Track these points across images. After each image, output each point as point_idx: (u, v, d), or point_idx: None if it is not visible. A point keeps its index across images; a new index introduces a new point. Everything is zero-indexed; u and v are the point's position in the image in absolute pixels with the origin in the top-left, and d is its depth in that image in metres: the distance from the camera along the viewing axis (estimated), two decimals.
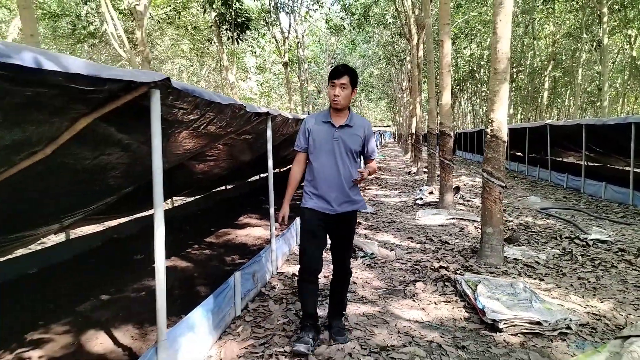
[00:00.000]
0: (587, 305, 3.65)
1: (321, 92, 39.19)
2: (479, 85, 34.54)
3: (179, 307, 3.35)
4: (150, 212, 6.18)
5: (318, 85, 39.10)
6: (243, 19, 16.98)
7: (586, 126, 10.10)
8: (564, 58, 27.87)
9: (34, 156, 2.23)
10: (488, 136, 4.71)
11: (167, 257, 4.79)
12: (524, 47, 28.35)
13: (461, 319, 3.40)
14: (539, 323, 3.15)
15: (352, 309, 3.55)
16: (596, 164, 11.95)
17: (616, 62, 30.58)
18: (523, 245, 5.60)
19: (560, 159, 15.24)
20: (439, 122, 8.69)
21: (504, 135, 4.68)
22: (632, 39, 21.46)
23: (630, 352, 2.61)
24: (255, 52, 31.33)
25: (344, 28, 24.81)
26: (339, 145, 2.86)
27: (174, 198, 7.14)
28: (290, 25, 22.59)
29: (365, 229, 6.62)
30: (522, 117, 35.18)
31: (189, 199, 7.56)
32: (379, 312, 3.53)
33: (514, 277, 4.28)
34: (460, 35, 26.97)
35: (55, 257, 4.58)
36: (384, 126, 67.63)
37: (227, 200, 8.18)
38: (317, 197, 2.88)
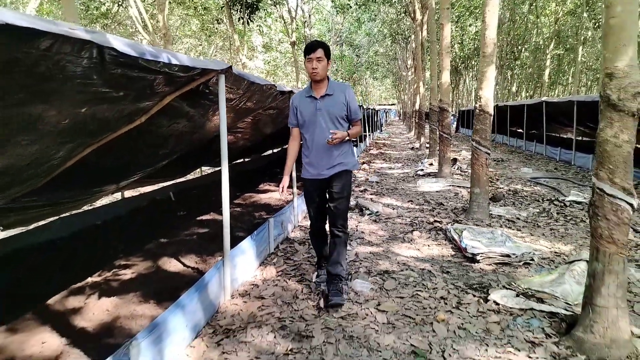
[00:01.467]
0: (552, 247, 4.52)
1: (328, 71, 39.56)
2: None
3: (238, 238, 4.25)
4: (185, 178, 7.08)
5: None
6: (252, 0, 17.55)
7: (577, 102, 10.82)
8: (568, 35, 28.10)
9: (134, 123, 3.09)
10: (477, 110, 5.52)
11: (207, 212, 5.70)
12: (529, 25, 28.63)
13: (448, 255, 4.29)
14: (508, 256, 4.04)
15: (360, 249, 4.44)
16: (587, 139, 12.67)
17: None
18: (508, 205, 6.46)
19: (557, 135, 15.92)
20: (439, 99, 9.42)
21: (490, 110, 5.48)
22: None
23: (572, 271, 3.49)
24: (262, 31, 31.76)
25: (350, 7, 25.18)
26: (323, 115, 3.09)
27: (203, 168, 8.01)
28: (297, 4, 23.03)
29: (371, 194, 7.48)
30: (527, 94, 35.57)
31: (215, 169, 8.43)
32: (382, 251, 4.42)
33: (496, 228, 5.15)
34: (465, 13, 27.24)
35: (115, 212, 5.48)
36: (389, 104, 67.89)
37: (247, 171, 9.06)
38: (311, 166, 3.19)
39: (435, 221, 5.49)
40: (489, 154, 5.51)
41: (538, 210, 6.16)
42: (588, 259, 2.63)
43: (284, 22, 22.38)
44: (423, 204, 6.66)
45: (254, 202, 6.48)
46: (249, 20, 17.28)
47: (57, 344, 2.43)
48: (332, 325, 2.83)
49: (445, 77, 8.77)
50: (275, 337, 2.69)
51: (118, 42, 1.82)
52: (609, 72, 2.40)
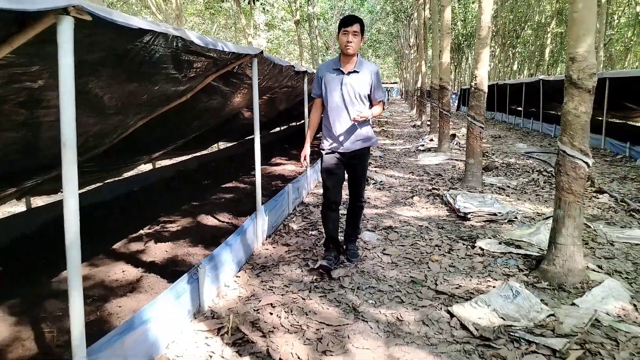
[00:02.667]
0: (535, 209, 5.16)
1: (329, 49, 39.81)
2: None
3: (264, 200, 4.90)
4: (205, 151, 7.70)
5: (326, 42, 39.64)
6: None
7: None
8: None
9: (180, 99, 3.69)
10: (472, 88, 6.09)
11: (229, 180, 6.34)
12: (531, 2, 28.71)
13: (443, 215, 4.94)
14: (495, 214, 4.69)
15: (367, 211, 5.09)
16: None
17: (623, 17, 30.71)
18: (501, 176, 7.10)
19: (554, 112, 16.43)
20: (439, 78, 9.94)
21: (485, 88, 6.05)
22: None
23: (547, 224, 4.13)
24: (265, 10, 31.88)
25: None
26: (348, 90, 3.12)
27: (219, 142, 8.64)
28: None
29: (375, 167, 8.11)
30: (528, 73, 35.78)
31: (229, 144, 9.04)
32: (386, 212, 5.08)
33: (487, 194, 5.79)
34: None
35: (148, 180, 6.12)
36: (392, 83, 67.84)
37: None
38: (331, 138, 3.23)
39: (434, 189, 6.13)
40: (482, 127, 6.11)
41: (527, 180, 6.80)
42: None
43: (289, 1, 22.61)
44: (423, 175, 7.30)
45: (269, 173, 7.12)
46: (254, 0, 17.59)
47: (135, 272, 3.10)
48: (347, 263, 3.50)
49: (445, 57, 9.29)
50: (301, 271, 3.35)
51: (193, 36, 2.42)
52: (572, 56, 3.00)
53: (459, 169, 7.79)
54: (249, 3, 17.77)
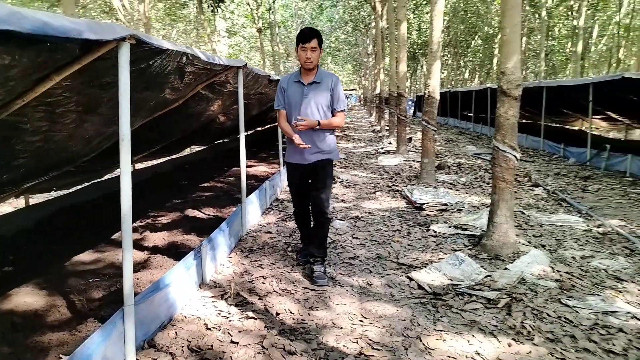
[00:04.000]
0: (480, 200, 5.94)
1: (290, 56, 40.51)
2: (441, 49, 36.62)
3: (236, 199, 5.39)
4: (178, 155, 8.07)
5: (287, 49, 40.33)
6: None
7: None
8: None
9: (173, 105, 4.16)
10: (426, 96, 6.85)
11: (206, 181, 6.78)
12: (481, 14, 30.54)
13: (402, 207, 5.62)
14: (446, 205, 5.41)
15: (336, 205, 5.70)
16: (522, 120, 14.44)
17: (564, 29, 33.05)
18: (452, 174, 7.91)
19: None
20: (397, 86, 10.74)
21: (437, 96, 6.82)
22: (574, 11, 23.98)
23: (488, 211, 4.88)
24: (225, 17, 32.14)
25: None
26: (309, 101, 3.16)
27: (192, 147, 9.00)
28: None
29: (340, 168, 8.75)
30: (479, 80, 37.81)
31: (200, 148, 9.42)
32: (353, 205, 5.70)
33: (439, 189, 6.54)
34: (423, 2, 28.73)
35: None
36: (351, 89, 69.36)
37: (228, 150, 10.11)
38: (293, 151, 3.27)
39: (393, 185, 6.84)
40: (435, 130, 6.88)
41: (474, 177, 7.64)
42: None
43: (250, 9, 23.09)
44: (383, 174, 8.00)
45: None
46: (218, 8, 17.97)
47: (141, 255, 3.54)
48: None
49: (402, 66, 10.09)
50: (284, 251, 3.90)
51: (198, 52, 2.94)
52: (502, 70, 3.73)
53: (415, 168, 8.56)
54: (212, 11, 18.14)
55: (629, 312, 2.79)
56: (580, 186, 6.92)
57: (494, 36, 29.26)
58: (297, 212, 3.57)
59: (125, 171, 2.09)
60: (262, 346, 2.40)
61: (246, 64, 4.11)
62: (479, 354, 2.37)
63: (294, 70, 3.53)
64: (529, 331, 2.57)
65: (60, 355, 2.17)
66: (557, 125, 12.99)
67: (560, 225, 4.77)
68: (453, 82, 36.17)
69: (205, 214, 4.89)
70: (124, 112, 2.04)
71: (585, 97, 8.80)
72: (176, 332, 2.51)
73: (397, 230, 4.60)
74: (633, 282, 3.27)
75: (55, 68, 1.99)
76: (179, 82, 3.36)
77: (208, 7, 18.21)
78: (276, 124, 14.09)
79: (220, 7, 18.91)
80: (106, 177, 5.74)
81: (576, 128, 13.07)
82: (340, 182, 7.18)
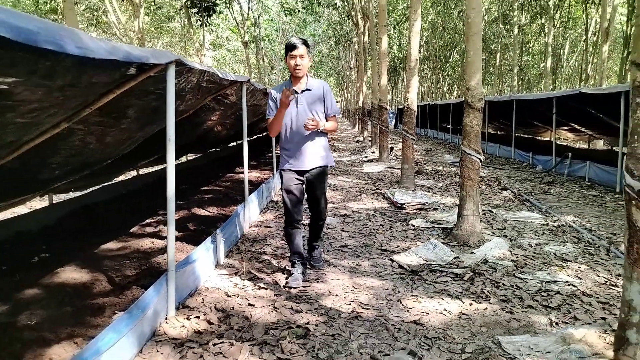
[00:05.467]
0: (453, 201, 6.62)
1: (274, 69, 41.34)
2: (420, 65, 37.93)
3: (239, 198, 5.96)
4: (177, 162, 8.56)
5: (271, 62, 41.16)
6: (209, 3, 18.88)
7: (488, 102, 13.35)
8: (489, 41, 31.58)
9: (184, 115, 4.74)
10: (405, 108, 7.56)
11: (205, 185, 7.32)
12: (458, 29, 31.88)
13: (385, 207, 6.27)
14: (424, 204, 6.08)
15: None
16: (493, 131, 15.40)
17: (537, 45, 34.59)
18: (430, 179, 8.63)
19: None
20: (379, 99, 11.46)
21: (415, 108, 7.55)
22: (546, 27, 25.44)
23: None
24: (211, 30, 32.80)
25: (298, 11, 26.95)
26: (304, 108, 3.25)
27: (188, 155, 9.53)
28: (249, 6, 24.45)
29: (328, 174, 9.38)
30: (458, 94, 39.18)
31: (194, 156, 9.95)
32: (341, 205, 6.33)
33: (418, 191, 7.22)
34: (403, 19, 29.87)
35: (135, 184, 6.96)
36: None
37: (220, 159, 10.67)
38: (289, 157, 3.34)
39: (377, 189, 7.50)
40: (414, 139, 7.59)
41: (450, 182, 8.36)
42: None
43: (237, 24, 23.78)
44: (367, 180, 8.67)
45: (237, 179, 8.16)
46: (206, 22, 18.59)
47: (161, 243, 4.08)
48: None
49: (383, 80, 10.85)
50: (283, 241, 4.49)
51: (216, 70, 3.55)
52: (467, 87, 4.43)
53: (396, 174, 9.25)
54: (201, 25, 18.75)
55: (567, 281, 3.46)
56: (544, 189, 7.70)
57: None
58: (288, 226, 3.44)
59: (170, 164, 2.68)
60: (274, 307, 2.99)
61: (249, 79, 4.72)
62: (446, 310, 3.00)
63: (279, 82, 3.80)
64: (487, 295, 3.22)
65: (116, 312, 2.72)
66: (527, 136, 13.91)
67: (522, 221, 5.48)
68: (433, 96, 37.40)
69: (210, 212, 5.45)
70: (170, 118, 2.64)
71: (550, 110, 9.67)
72: (203, 299, 3.08)
73: (381, 225, 5.23)
74: (575, 262, 3.96)
75: (117, 84, 2.57)
76: (195, 94, 3.95)
77: (196, 21, 18.85)
78: (265, 133, 14.67)
79: (208, 22, 19.58)
80: (115, 180, 6.26)
81: (546, 139, 14.03)
82: (328, 186, 7.79)
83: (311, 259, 3.73)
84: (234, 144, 13.85)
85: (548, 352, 2.46)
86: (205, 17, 18.58)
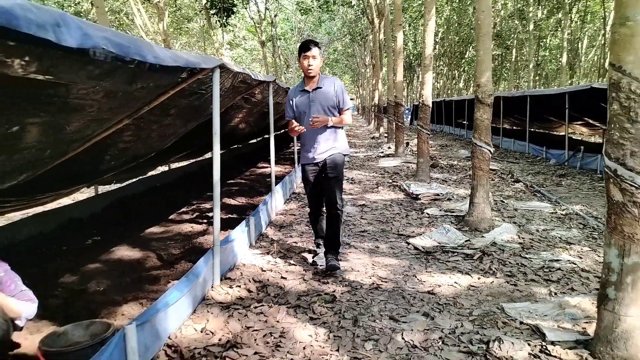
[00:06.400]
0: (466, 192, 6.94)
1: (290, 67, 41.83)
2: (436, 61, 37.91)
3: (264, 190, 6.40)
4: (201, 157, 9.08)
5: (287, 60, 41.67)
6: (228, 4, 19.41)
7: (503, 98, 13.58)
8: (506, 36, 31.47)
9: None
10: (420, 104, 7.90)
11: (232, 178, 7.79)
12: (474, 26, 31.85)
13: (401, 198, 6.64)
14: (438, 195, 6.43)
15: (345, 197, 6.69)
16: (509, 127, 15.56)
17: (555, 40, 34.25)
18: (445, 173, 8.95)
19: (493, 125, 18.86)
20: (394, 95, 11.80)
21: (430, 104, 7.88)
22: (562, 22, 25.31)
23: None
24: (228, 30, 33.42)
25: (312, 10, 27.34)
26: (316, 106, 3.42)
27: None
28: (265, 6, 24.93)
29: (345, 169, 9.76)
30: (474, 90, 39.03)
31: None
32: (359, 197, 6.72)
33: (432, 183, 7.57)
34: (418, 15, 29.97)
35: (167, 178, 7.46)
36: (349, 99, 70.82)
37: (242, 155, 11.15)
38: (307, 152, 3.57)
39: (393, 182, 7.86)
40: (429, 134, 7.93)
41: (464, 175, 8.67)
42: None
43: (254, 23, 24.28)
44: (384, 174, 9.03)
45: (261, 173, 8.64)
46: (225, 23, 19.12)
47: (199, 227, 4.54)
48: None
49: (399, 77, 11.18)
50: (308, 227, 4.91)
51: (250, 72, 3.97)
52: (478, 83, 4.78)
53: (412, 169, 9.58)
54: (221, 25, 19.29)
55: (568, 260, 3.80)
56: (555, 182, 7.96)
57: None
58: (311, 213, 3.80)
59: (215, 153, 3.12)
60: (304, 279, 3.41)
61: (275, 79, 5.14)
62: (456, 283, 3.37)
63: (295, 80, 4.07)
64: (494, 271, 3.58)
65: (169, 281, 3.16)
66: (541, 131, 14.07)
67: (532, 210, 5.79)
68: (449, 92, 37.40)
69: (239, 202, 5.90)
70: (216, 114, 3.06)
71: (563, 105, 9.89)
72: (241, 272, 3.51)
73: (397, 213, 5.61)
74: (578, 245, 4.28)
75: (172, 85, 3.00)
76: (229, 94, 4.38)
77: (216, 22, 19.40)
78: (284, 130, 15.13)
79: (227, 23, 20.12)
80: (148, 174, 6.76)
81: (562, 133, 14.16)
82: (346, 179, 8.20)
83: (327, 261, 3.52)
84: (254, 141, 14.35)
85: (545, 315, 2.82)
86: (225, 18, 19.16)
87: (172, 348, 2.36)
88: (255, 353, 2.34)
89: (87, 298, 2.92)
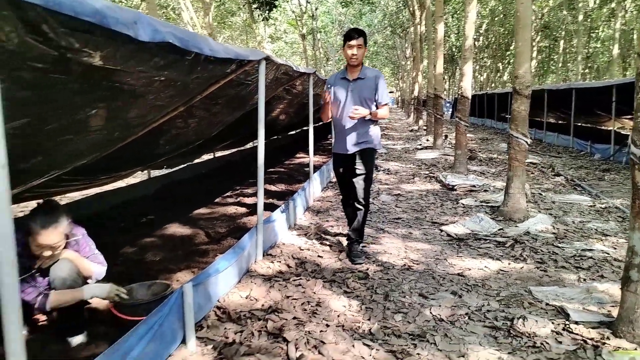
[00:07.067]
0: (503, 185, 6.94)
1: (329, 60, 41.98)
2: (480, 53, 36.98)
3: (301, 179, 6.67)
4: (242, 147, 9.45)
5: (327, 53, 41.84)
6: None
7: (547, 91, 13.22)
8: (553, 28, 30.28)
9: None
10: (459, 96, 7.92)
11: (272, 167, 8.12)
12: None
13: (437, 188, 6.74)
14: (474, 186, 6.49)
15: (381, 186, 6.87)
16: (553, 121, 15.10)
17: (607, 31, 32.67)
18: (484, 165, 8.93)
19: (537, 118, 18.35)
20: (434, 88, 11.77)
21: (469, 96, 7.88)
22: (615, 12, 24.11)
23: None
24: (269, 24, 33.96)
25: (353, 2, 27.32)
26: (354, 96, 3.40)
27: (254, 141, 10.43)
28: (307, 0, 25.18)
29: (381, 160, 9.91)
30: None
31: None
32: (395, 187, 6.86)
33: (469, 175, 7.59)
34: (462, 6, 29.34)
35: (214, 165, 7.88)
36: (388, 92, 70.27)
37: (281, 146, 11.50)
38: (338, 142, 3.61)
39: (430, 173, 7.95)
40: (467, 125, 7.94)
41: (503, 168, 8.61)
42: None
43: (295, 16, 24.59)
44: (421, 165, 9.10)
45: (300, 163, 8.93)
46: (267, 17, 19.53)
47: (242, 210, 4.87)
48: (374, 209, 5.27)
49: (439, 69, 11.14)
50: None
51: (292, 64, 4.21)
52: (516, 75, 4.82)
53: (449, 161, 9.59)
54: (264, 19, 19.71)
55: (602, 250, 3.83)
56: (598, 176, 7.79)
57: (532, 39, 29.43)
58: (343, 200, 3.88)
59: (260, 140, 3.39)
60: (339, 258, 3.64)
61: (315, 72, 5.36)
62: (486, 267, 3.50)
63: (341, 68, 3.82)
64: (525, 258, 3.68)
65: (217, 254, 3.47)
66: (586, 125, 13.61)
67: (570, 203, 5.76)
68: (492, 85, 36.44)
69: (278, 188, 6.21)
70: (261, 102, 3.32)
71: (610, 98, 9.58)
72: (281, 250, 3.78)
73: (432, 203, 5.73)
74: (615, 237, 4.28)
75: (223, 76, 3.28)
76: (272, 85, 4.65)
77: (259, 15, 19.83)
78: (320, 123, 15.37)
79: (269, 17, 20.52)
80: (195, 161, 7.17)
81: (609, 128, 13.64)
82: (382, 170, 8.35)
83: (351, 253, 3.61)
84: (293, 132, 14.68)
85: (572, 299, 2.92)
86: (267, 12, 19.56)
87: (221, 310, 2.65)
88: (294, 318, 2.59)
89: (145, 266, 3.27)
